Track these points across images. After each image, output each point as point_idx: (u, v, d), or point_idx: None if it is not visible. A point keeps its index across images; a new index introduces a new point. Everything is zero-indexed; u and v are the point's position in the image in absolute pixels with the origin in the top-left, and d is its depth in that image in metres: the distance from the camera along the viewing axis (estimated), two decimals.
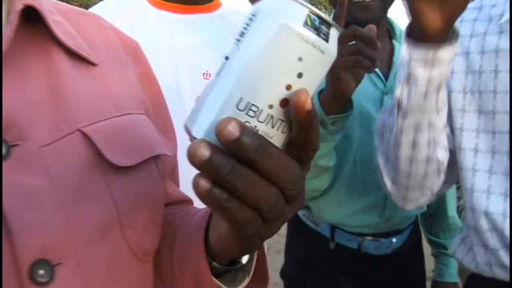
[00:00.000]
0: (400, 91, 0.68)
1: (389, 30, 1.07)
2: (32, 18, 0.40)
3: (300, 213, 1.14)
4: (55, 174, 0.37)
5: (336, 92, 0.77)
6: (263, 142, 0.26)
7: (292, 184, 0.28)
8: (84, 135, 0.40)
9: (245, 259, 0.41)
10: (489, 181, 0.73)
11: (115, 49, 0.49)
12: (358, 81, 0.77)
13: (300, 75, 0.27)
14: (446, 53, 0.62)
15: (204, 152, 0.26)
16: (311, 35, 0.27)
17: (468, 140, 0.75)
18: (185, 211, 0.51)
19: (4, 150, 0.36)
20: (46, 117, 0.39)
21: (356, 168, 1.00)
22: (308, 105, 0.26)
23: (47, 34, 0.42)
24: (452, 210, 1.23)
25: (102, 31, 0.50)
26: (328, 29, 0.28)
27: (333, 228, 1.06)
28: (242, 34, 0.28)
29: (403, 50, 0.66)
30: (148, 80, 0.53)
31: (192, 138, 0.28)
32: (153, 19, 0.91)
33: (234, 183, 0.26)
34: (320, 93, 0.81)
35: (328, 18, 0.28)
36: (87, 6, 1.02)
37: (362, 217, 1.04)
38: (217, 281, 0.40)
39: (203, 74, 0.87)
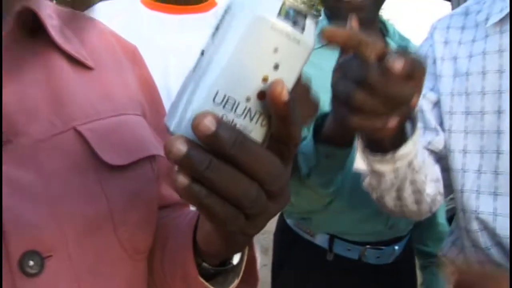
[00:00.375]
0: (368, 181, 0.67)
1: (381, 29, 1.05)
2: (31, 21, 0.42)
3: (291, 223, 1.10)
4: (47, 169, 0.38)
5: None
6: (240, 136, 0.26)
7: (273, 180, 0.28)
8: (79, 133, 0.41)
9: (236, 260, 0.41)
10: (478, 181, 0.73)
11: (114, 53, 0.50)
12: None
13: (276, 67, 0.27)
14: (406, 148, 0.57)
15: (181, 147, 0.26)
16: (285, 26, 0.27)
17: (456, 142, 0.76)
18: (179, 213, 0.51)
19: None
20: (41, 114, 0.40)
21: (358, 175, 0.96)
22: (284, 96, 0.26)
23: (46, 38, 0.43)
24: (442, 217, 1.18)
25: (101, 35, 0.51)
26: (304, 19, 0.28)
27: (332, 238, 1.01)
28: (217, 28, 0.28)
29: (357, 157, 0.60)
30: (146, 83, 0.53)
31: (171, 135, 0.28)
32: (146, 19, 0.91)
33: (212, 179, 0.26)
34: (323, 120, 0.70)
35: (303, 8, 0.28)
36: None
37: (365, 225, 1.00)
38: (204, 281, 0.40)
39: None
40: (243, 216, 0.28)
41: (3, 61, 0.39)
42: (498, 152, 0.72)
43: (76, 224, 0.39)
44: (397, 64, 0.41)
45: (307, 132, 0.76)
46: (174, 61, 0.85)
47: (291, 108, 0.27)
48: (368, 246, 1.01)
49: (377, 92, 0.43)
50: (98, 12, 0.89)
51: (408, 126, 0.56)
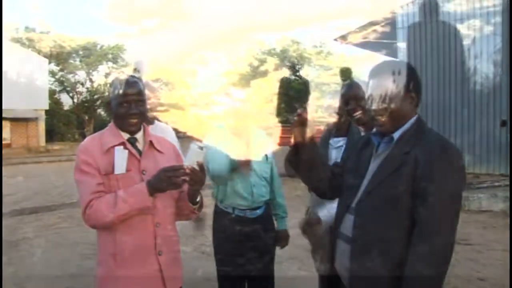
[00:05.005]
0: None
1: None
2: (150, 141, 2.09)
3: (220, 205, 2.86)
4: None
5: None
6: (194, 168, 1.91)
7: (201, 178, 1.92)
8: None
9: (198, 199, 2.02)
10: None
11: (170, 148, 2.14)
12: None
13: (198, 157, 1.91)
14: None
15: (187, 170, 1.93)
16: (200, 150, 1.89)
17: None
18: (184, 192, 2.03)
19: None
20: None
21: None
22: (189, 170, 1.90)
23: (154, 147, 2.08)
24: (280, 198, 2.99)
25: (166, 143, 2.16)
26: (203, 147, 1.90)
27: (233, 208, 2.79)
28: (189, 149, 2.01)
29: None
30: (176, 153, 2.18)
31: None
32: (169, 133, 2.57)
33: (191, 177, 1.91)
34: None
35: (201, 145, 1.92)
36: None
37: (244, 203, 2.76)
38: (192, 205, 2.02)
39: None
40: (200, 185, 1.94)
41: (144, 154, 2.05)
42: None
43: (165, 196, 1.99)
44: None
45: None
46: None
47: (201, 168, 1.92)
48: (247, 210, 2.77)
49: None
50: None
51: None
